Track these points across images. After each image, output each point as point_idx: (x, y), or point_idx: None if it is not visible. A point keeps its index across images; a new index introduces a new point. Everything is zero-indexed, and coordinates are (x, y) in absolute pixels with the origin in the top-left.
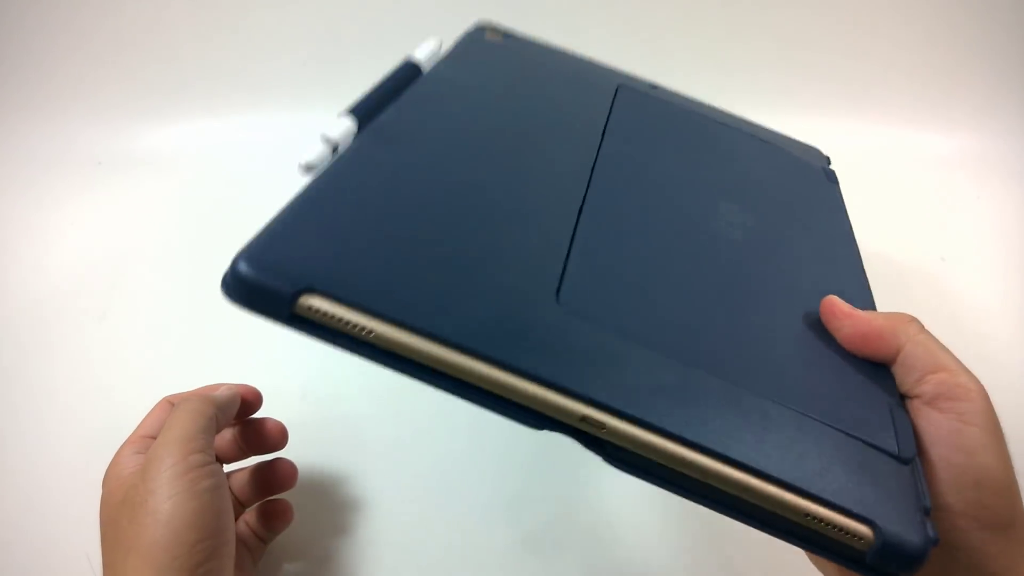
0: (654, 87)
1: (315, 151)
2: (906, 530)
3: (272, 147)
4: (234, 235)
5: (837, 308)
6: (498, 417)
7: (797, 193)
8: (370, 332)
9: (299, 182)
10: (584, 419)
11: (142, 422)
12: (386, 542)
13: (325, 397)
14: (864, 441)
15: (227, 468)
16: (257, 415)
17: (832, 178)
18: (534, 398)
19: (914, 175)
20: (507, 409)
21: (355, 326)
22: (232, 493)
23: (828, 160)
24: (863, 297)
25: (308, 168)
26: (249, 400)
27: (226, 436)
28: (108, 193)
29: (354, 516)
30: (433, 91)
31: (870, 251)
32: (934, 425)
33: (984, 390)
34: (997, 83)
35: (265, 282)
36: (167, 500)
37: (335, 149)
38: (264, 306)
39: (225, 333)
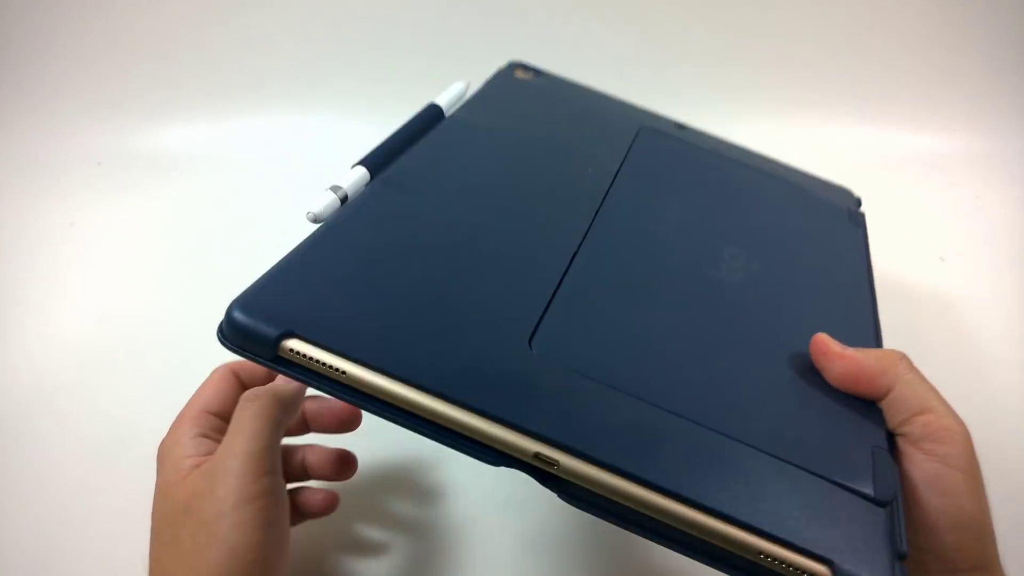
0: (681, 127)
1: (323, 201)
2: (866, 570)
3: (272, 149)
4: (233, 235)
5: (827, 347)
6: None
7: (813, 235)
8: (343, 372)
9: (306, 179)
10: (537, 455)
11: (200, 391)
12: (384, 542)
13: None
14: (837, 483)
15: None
16: None
17: (857, 220)
18: (490, 436)
19: (914, 175)
20: (467, 446)
21: (330, 367)
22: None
23: (858, 202)
24: (865, 338)
25: (315, 219)
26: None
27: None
28: (107, 193)
29: (351, 516)
30: (451, 137)
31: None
32: (917, 466)
33: (967, 433)
34: (997, 83)
35: (253, 327)
36: (234, 529)
37: (344, 198)
38: (253, 348)
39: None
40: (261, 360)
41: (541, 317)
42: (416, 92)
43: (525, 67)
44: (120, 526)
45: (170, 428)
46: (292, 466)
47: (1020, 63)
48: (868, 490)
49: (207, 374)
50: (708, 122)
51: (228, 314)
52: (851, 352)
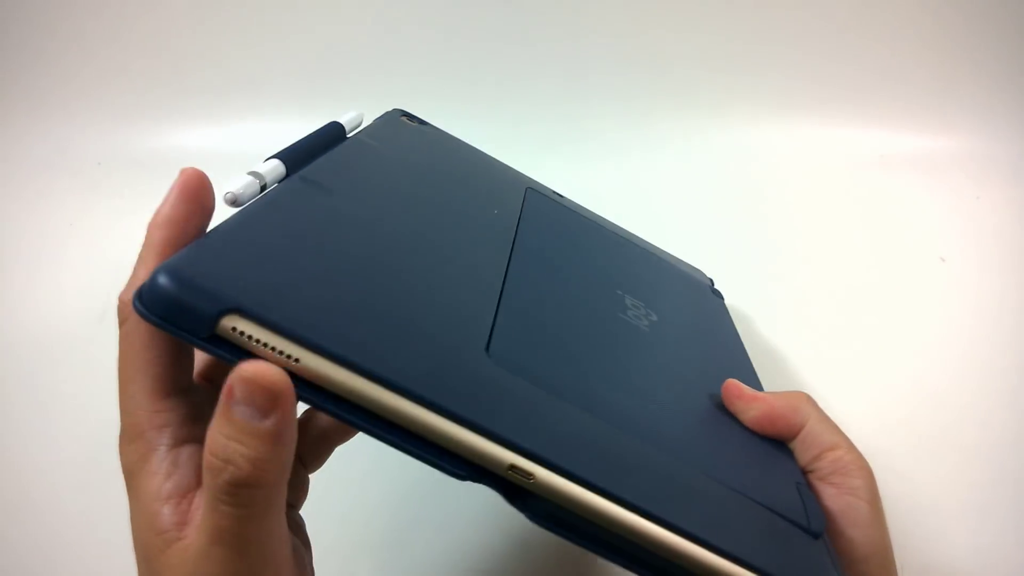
0: (559, 195)
1: (243, 182)
2: None
3: (272, 150)
4: None
5: (740, 391)
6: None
7: (689, 300)
8: (295, 360)
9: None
10: (512, 468)
11: (129, 350)
12: (383, 542)
13: None
14: (778, 513)
15: None
16: None
17: (718, 295)
18: (462, 443)
19: (914, 175)
20: (432, 455)
21: (280, 352)
22: None
23: (712, 281)
24: (755, 387)
25: (234, 200)
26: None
27: None
28: (108, 193)
29: (350, 518)
30: (359, 153)
31: (870, 251)
32: (829, 500)
33: (869, 468)
34: (996, 84)
35: (187, 300)
36: None
37: (263, 187)
38: (183, 325)
39: None
40: (192, 339)
41: (492, 327)
42: (416, 93)
43: (410, 115)
44: (120, 526)
45: (124, 432)
46: (316, 427)
47: (1020, 63)
48: (803, 522)
49: None
50: (708, 123)
51: (152, 282)
52: (763, 395)
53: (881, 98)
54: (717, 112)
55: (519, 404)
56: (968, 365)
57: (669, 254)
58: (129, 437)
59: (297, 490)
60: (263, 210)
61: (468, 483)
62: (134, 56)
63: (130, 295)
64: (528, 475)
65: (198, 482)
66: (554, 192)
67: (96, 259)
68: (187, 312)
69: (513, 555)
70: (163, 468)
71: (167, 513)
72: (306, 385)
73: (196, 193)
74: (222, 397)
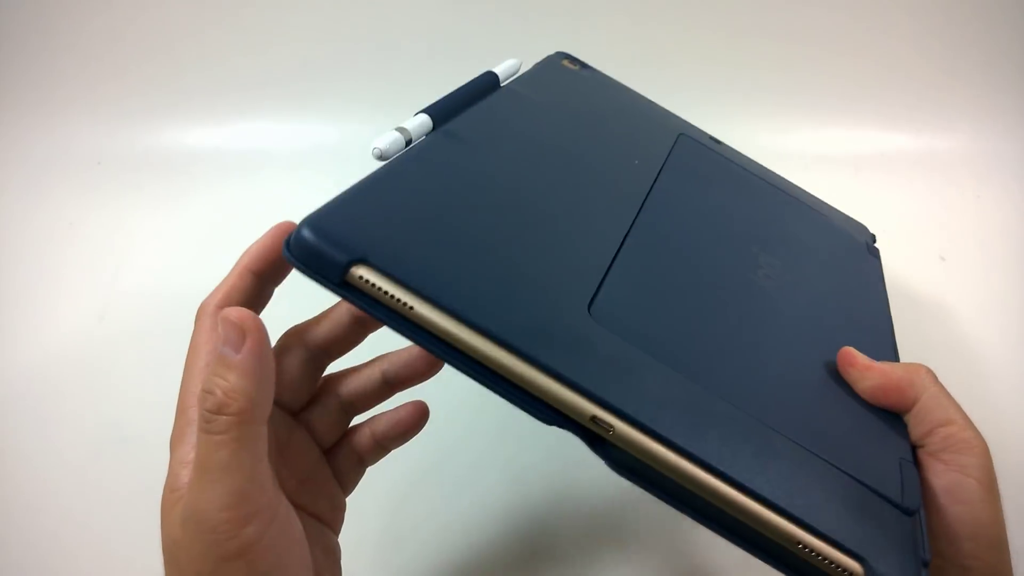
0: (716, 141)
1: (389, 138)
2: (896, 572)
3: (272, 149)
4: (232, 235)
5: (856, 359)
6: (515, 410)
7: (838, 259)
8: (410, 308)
9: (305, 180)
10: (594, 419)
11: (200, 344)
12: (385, 541)
13: None
14: (868, 487)
15: None
16: None
17: (875, 254)
18: (550, 393)
19: (914, 175)
20: (523, 400)
21: (398, 300)
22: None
23: (873, 237)
24: (887, 356)
25: (380, 155)
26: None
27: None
28: (107, 193)
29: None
30: (508, 104)
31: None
32: (937, 476)
33: (986, 446)
34: (997, 83)
35: (324, 249)
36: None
37: (409, 142)
38: (319, 270)
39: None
40: (326, 283)
41: (599, 285)
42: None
43: (572, 59)
44: (119, 526)
45: (176, 409)
46: (354, 453)
47: (1020, 63)
48: (896, 498)
49: None
50: (708, 122)
51: (298, 232)
52: (880, 365)
53: (881, 97)
54: (717, 112)
55: (608, 361)
56: (969, 365)
57: (829, 206)
58: (177, 412)
59: (334, 511)
60: (401, 166)
61: (467, 484)
62: (134, 56)
63: (210, 301)
64: (608, 426)
65: None
66: (711, 138)
67: (96, 259)
68: (323, 260)
69: (513, 555)
70: (192, 439)
71: (184, 474)
72: (416, 329)
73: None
74: (211, 348)
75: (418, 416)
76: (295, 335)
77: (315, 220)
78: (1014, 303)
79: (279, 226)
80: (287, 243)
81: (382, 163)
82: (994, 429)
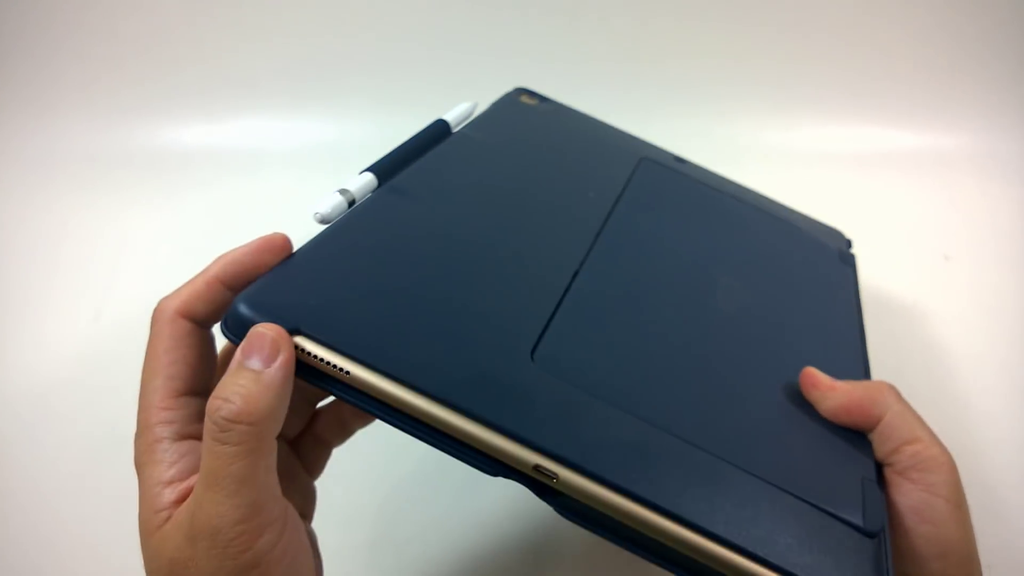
0: (680, 160)
1: (330, 202)
2: None
3: (268, 148)
4: (229, 234)
5: (818, 380)
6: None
7: (806, 272)
8: (347, 372)
9: (303, 178)
10: (536, 468)
11: (155, 353)
12: (386, 542)
13: None
14: (827, 512)
15: None
16: None
17: (848, 260)
18: (490, 445)
19: (917, 174)
20: (465, 454)
21: (334, 366)
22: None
23: (849, 243)
24: (855, 372)
25: (322, 220)
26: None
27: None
28: (102, 192)
29: (349, 519)
30: (457, 151)
31: (874, 250)
32: (904, 495)
33: (953, 462)
34: (1000, 81)
35: (258, 322)
36: None
37: (352, 202)
38: None
39: (219, 332)
40: None
41: (544, 330)
42: (414, 93)
43: (531, 93)
44: (118, 526)
45: (137, 426)
46: (319, 438)
47: (1021, 63)
48: (858, 520)
49: None
50: (709, 121)
51: (233, 308)
52: (841, 384)
53: (884, 96)
54: (717, 112)
55: (550, 407)
56: (971, 364)
57: (801, 215)
58: (140, 430)
59: (305, 499)
60: (341, 229)
61: (466, 485)
62: (128, 54)
63: (166, 300)
64: (552, 474)
65: (198, 469)
66: (675, 158)
67: (90, 258)
68: None
69: (514, 556)
70: (167, 457)
71: (167, 494)
72: (356, 393)
73: (273, 251)
74: (235, 356)
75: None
76: None
77: (250, 295)
78: (1019, 302)
79: (266, 239)
80: (225, 322)
81: (324, 226)
82: (995, 429)
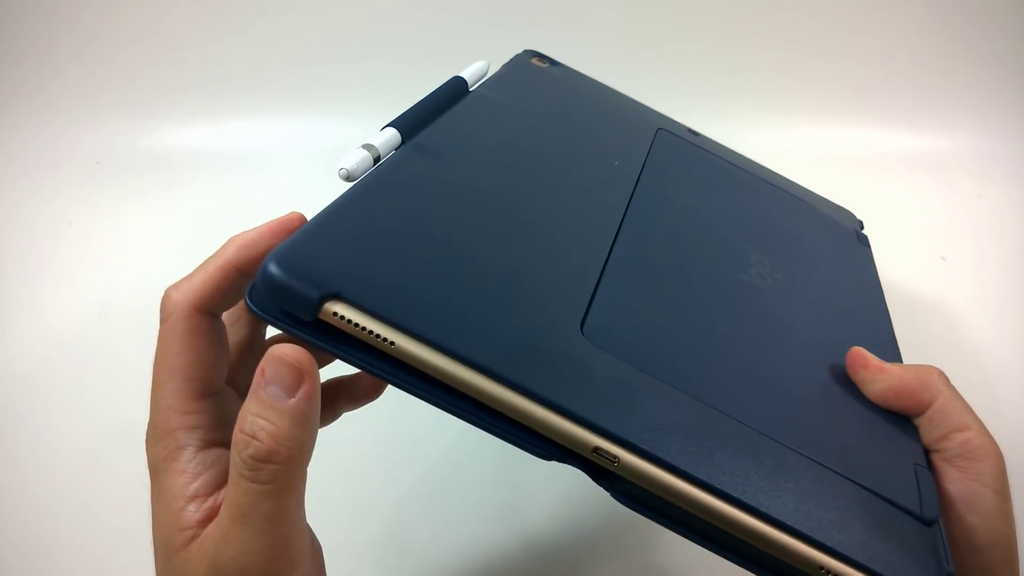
0: (694, 133)
1: (356, 158)
2: None
3: (271, 149)
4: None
5: (868, 361)
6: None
7: (828, 251)
8: (391, 344)
9: (306, 180)
10: (596, 450)
11: (168, 350)
12: (386, 543)
13: None
14: (886, 499)
15: None
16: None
17: (864, 241)
18: (549, 426)
19: (915, 174)
20: (518, 436)
21: (377, 336)
22: None
23: (861, 224)
24: (890, 355)
25: (348, 176)
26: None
27: None
28: (106, 193)
29: (354, 518)
30: (478, 110)
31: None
32: (952, 484)
33: (1001, 454)
34: (997, 82)
35: (292, 285)
36: None
37: (377, 159)
38: (290, 309)
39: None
40: (293, 328)
41: (590, 303)
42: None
43: (540, 56)
44: (118, 526)
45: (153, 429)
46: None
47: (1020, 63)
48: (915, 508)
49: None
50: (709, 121)
51: (263, 270)
52: (892, 367)
53: (881, 97)
54: (717, 112)
55: (608, 386)
56: (969, 365)
57: (813, 194)
58: (158, 435)
59: None
60: (370, 187)
61: (467, 489)
62: (133, 55)
63: (178, 292)
64: (613, 458)
65: (224, 483)
66: (689, 130)
67: (94, 258)
68: (291, 298)
69: (516, 556)
70: (191, 468)
71: (191, 510)
72: (398, 368)
73: (290, 233)
74: (255, 378)
75: (375, 383)
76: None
77: (281, 254)
78: (1015, 303)
79: (282, 220)
80: (251, 290)
81: (350, 184)
82: (995, 430)
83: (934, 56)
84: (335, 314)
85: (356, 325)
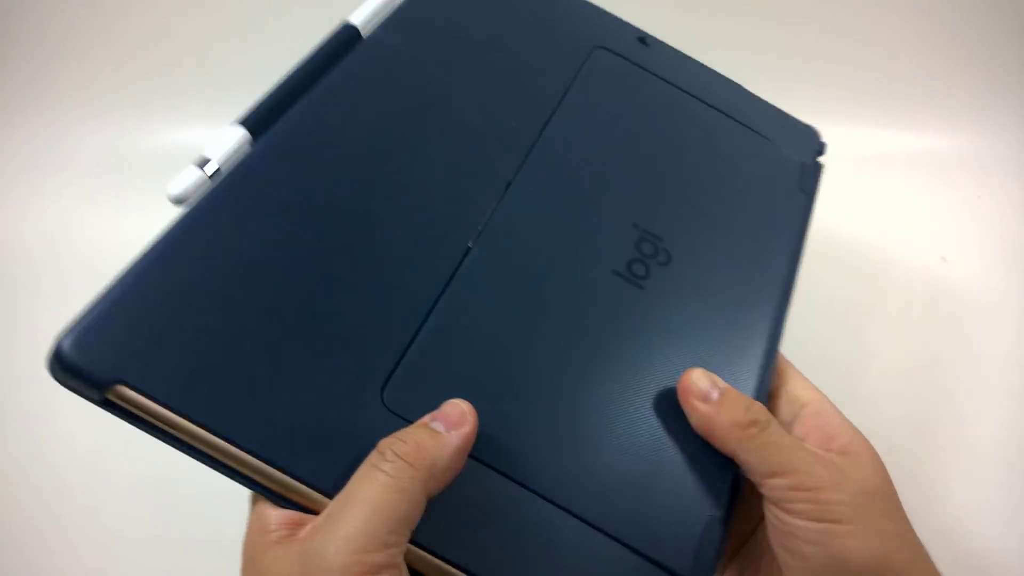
0: (643, 42)
1: (185, 181)
2: None
3: None
4: None
5: (689, 389)
6: None
7: (748, 210)
8: (171, 427)
9: None
10: None
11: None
12: None
13: None
14: (648, 558)
15: None
16: None
17: (808, 181)
18: (315, 501)
19: (915, 175)
20: (300, 508)
21: (162, 419)
22: None
23: (821, 148)
24: (751, 361)
25: (177, 201)
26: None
27: None
28: (107, 194)
29: None
30: (358, 72)
31: (872, 251)
32: (778, 522)
33: (831, 476)
34: (998, 82)
35: (82, 367)
36: None
37: (217, 171)
38: (79, 388)
39: None
40: (88, 399)
41: (397, 364)
42: None
43: None
44: (117, 526)
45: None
46: None
47: (1020, 63)
48: (684, 567)
49: None
50: None
51: (57, 346)
52: (703, 408)
53: (881, 96)
54: None
55: None
56: (970, 364)
57: (774, 110)
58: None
59: None
60: (191, 225)
61: None
62: (134, 57)
63: None
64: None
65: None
66: (639, 38)
67: (95, 261)
68: (80, 378)
69: None
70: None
71: (275, 516)
72: (184, 444)
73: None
74: (425, 417)
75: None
76: None
77: (77, 334)
78: (1016, 304)
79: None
80: (49, 357)
81: (181, 209)
82: (996, 430)
83: (934, 56)
84: (122, 397)
85: (142, 409)
